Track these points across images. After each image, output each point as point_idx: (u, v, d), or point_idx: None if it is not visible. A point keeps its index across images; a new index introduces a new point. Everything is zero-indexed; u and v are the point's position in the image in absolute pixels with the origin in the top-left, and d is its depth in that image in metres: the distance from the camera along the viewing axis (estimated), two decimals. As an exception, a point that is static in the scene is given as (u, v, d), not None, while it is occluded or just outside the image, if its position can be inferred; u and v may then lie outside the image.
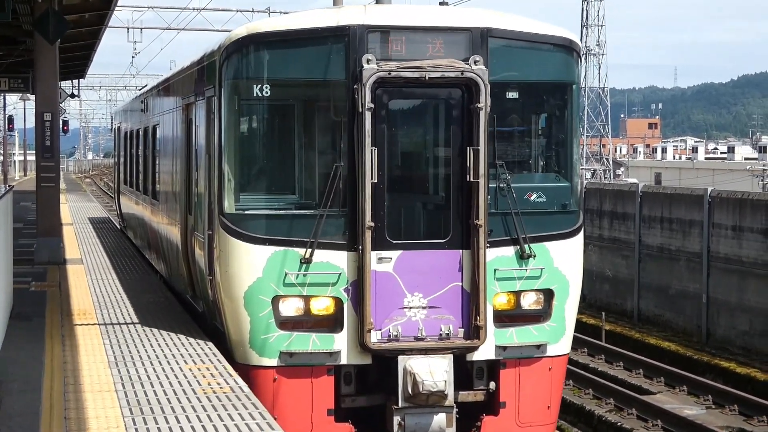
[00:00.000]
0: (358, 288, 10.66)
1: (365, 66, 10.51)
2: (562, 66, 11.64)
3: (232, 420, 8.75)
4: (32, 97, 32.60)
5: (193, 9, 52.06)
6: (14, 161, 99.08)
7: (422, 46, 10.81)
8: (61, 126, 25.07)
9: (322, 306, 10.83)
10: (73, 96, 53.32)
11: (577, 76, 11.81)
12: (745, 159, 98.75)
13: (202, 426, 8.56)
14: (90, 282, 17.05)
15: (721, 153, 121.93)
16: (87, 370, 10.53)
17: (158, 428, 8.46)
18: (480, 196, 10.72)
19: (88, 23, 27.34)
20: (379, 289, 10.71)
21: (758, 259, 19.86)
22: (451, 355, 10.74)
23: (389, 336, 10.77)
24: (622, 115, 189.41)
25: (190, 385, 9.94)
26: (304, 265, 10.66)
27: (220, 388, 9.88)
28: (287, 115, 11.48)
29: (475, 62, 10.71)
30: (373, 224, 10.55)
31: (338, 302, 10.79)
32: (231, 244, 10.78)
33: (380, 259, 10.73)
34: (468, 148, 10.80)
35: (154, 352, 11.51)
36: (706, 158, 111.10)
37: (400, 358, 10.62)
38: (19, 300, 14.75)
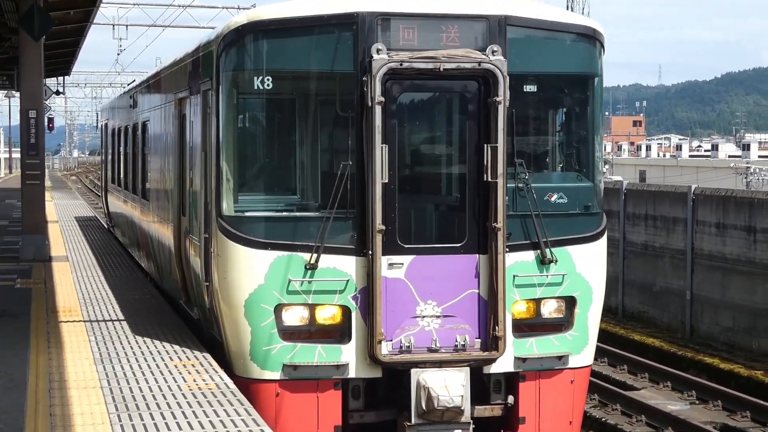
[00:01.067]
0: (367, 296, 10.02)
1: (375, 56, 9.86)
2: (585, 57, 10.93)
3: (218, 416, 8.73)
4: (17, 95, 32.45)
5: (179, 6, 51.85)
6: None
7: (436, 35, 10.11)
8: (46, 123, 25.00)
9: (328, 315, 10.16)
10: (58, 93, 53.35)
11: (601, 68, 11.02)
12: (729, 156, 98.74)
13: (188, 422, 8.54)
14: (76, 279, 16.99)
15: (705, 151, 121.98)
16: (72, 367, 10.49)
17: (144, 425, 8.44)
18: (498, 196, 10.09)
19: (74, 20, 27.29)
20: (390, 296, 10.05)
21: (741, 256, 19.95)
22: (467, 368, 10.09)
23: (401, 347, 10.10)
24: (607, 113, 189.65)
25: (176, 382, 9.90)
26: (309, 271, 10.01)
27: (206, 384, 9.85)
28: (290, 110, 10.72)
29: (493, 52, 10.06)
30: (383, 227, 9.93)
31: (346, 311, 10.14)
32: (230, 249, 10.13)
33: (391, 264, 10.08)
34: (485, 146, 10.16)
35: (140, 348, 11.45)
36: (690, 156, 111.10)
37: (413, 371, 10.00)
38: (4, 297, 14.72)
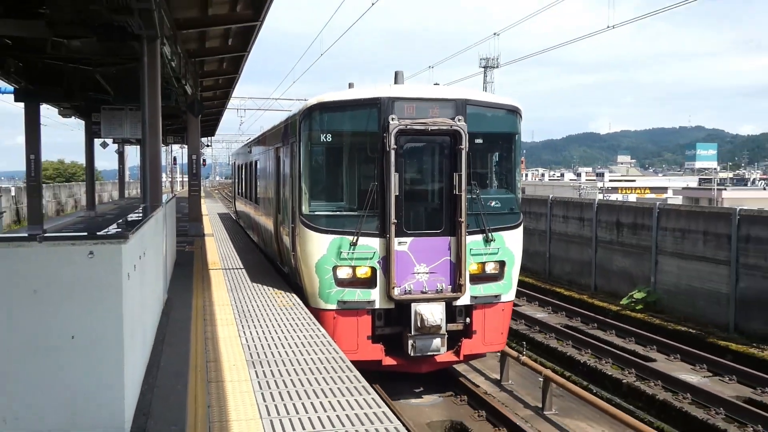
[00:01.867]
0: (386, 261, 9.62)
1: (390, 122, 9.57)
2: (511, 123, 10.35)
3: (293, 317, 8.76)
4: (186, 146, 32.54)
5: (273, 98, 52.36)
6: (177, 181, 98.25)
7: (426, 110, 9.78)
8: (201, 162, 24.95)
9: (363, 272, 9.71)
10: (208, 146, 53.15)
11: (520, 129, 10.45)
12: (570, 180, 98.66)
13: (277, 322, 8.54)
14: (217, 247, 16.94)
15: (557, 177, 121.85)
16: (216, 294, 10.49)
17: (253, 323, 8.46)
18: (462, 203, 9.73)
19: (216, 106, 27.28)
20: (399, 261, 9.69)
21: (575, 234, 19.90)
22: (444, 303, 9.78)
23: (405, 291, 9.74)
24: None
25: (272, 302, 9.91)
26: (353, 247, 9.60)
27: (288, 302, 9.86)
28: (341, 153, 10.28)
29: (459, 120, 9.75)
30: (395, 221, 9.58)
31: (373, 270, 9.70)
32: (307, 233, 9.75)
33: (400, 243, 9.68)
34: (454, 173, 9.80)
35: (252, 285, 11.41)
36: (549, 180, 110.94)
37: (413, 304, 9.68)
38: (180, 256, 14.68)
